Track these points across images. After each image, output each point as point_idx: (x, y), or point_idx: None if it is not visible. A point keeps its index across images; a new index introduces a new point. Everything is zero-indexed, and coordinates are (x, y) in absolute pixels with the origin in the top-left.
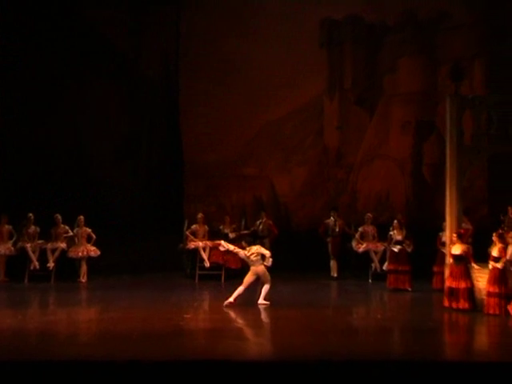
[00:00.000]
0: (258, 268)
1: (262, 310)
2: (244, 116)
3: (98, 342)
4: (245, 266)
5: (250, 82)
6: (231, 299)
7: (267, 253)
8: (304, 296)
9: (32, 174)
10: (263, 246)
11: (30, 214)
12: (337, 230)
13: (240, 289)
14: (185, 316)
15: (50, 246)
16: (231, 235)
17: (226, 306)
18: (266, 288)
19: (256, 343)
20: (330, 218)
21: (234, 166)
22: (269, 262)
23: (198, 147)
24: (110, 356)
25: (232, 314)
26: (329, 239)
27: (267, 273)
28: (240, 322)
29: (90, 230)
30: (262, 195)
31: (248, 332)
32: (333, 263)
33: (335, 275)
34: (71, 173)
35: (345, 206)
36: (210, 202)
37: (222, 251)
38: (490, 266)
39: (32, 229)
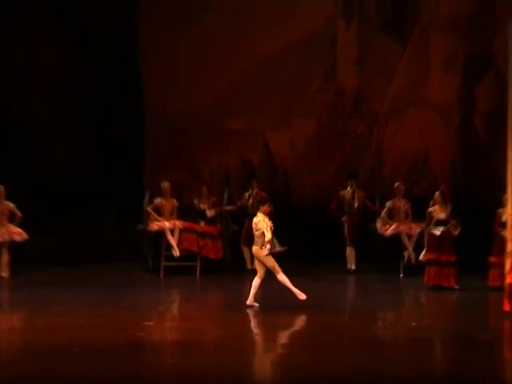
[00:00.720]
0: (254, 247)
1: (251, 315)
2: (226, 53)
3: (24, 359)
4: (227, 256)
5: (235, 10)
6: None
7: (267, 236)
8: (310, 296)
9: None
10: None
11: None
12: (355, 205)
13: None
14: (145, 324)
15: None
16: (209, 212)
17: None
18: (255, 283)
19: (243, 361)
20: (345, 188)
21: (213, 119)
22: (264, 249)
23: (164, 95)
24: (41, 378)
25: (211, 322)
26: (344, 218)
27: (263, 257)
28: (221, 332)
29: (13, 206)
30: (253, 157)
31: (232, 346)
32: (350, 251)
33: (353, 268)
34: None
35: (366, 172)
36: (181, 168)
37: (196, 235)
38: None
39: None
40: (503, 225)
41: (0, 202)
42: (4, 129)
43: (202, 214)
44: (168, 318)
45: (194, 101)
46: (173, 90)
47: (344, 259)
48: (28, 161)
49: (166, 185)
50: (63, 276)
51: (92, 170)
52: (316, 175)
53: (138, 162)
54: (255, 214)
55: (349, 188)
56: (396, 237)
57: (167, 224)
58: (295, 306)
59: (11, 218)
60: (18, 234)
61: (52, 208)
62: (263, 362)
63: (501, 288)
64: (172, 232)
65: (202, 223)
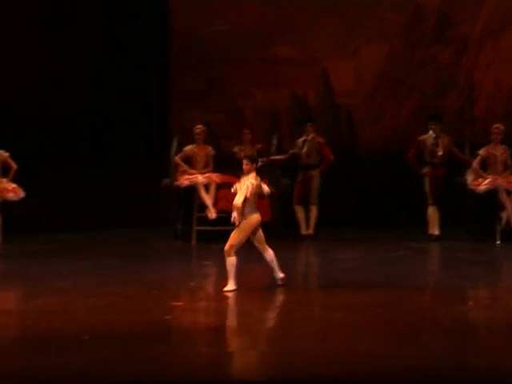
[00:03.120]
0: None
1: (306, 293)
2: None
3: (21, 349)
4: (276, 218)
5: None
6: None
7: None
8: (380, 269)
9: None
10: (309, 179)
11: None
12: (439, 153)
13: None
14: (173, 304)
15: None
16: None
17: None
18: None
19: (294, 350)
20: (426, 132)
21: (256, 43)
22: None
23: (195, 12)
24: (41, 371)
25: (255, 302)
26: (425, 170)
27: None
28: (268, 314)
29: (6, 155)
30: (308, 93)
31: (281, 332)
32: (432, 212)
33: (436, 233)
34: None
35: (453, 113)
36: (216, 106)
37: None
38: None
39: None
40: None
41: None
42: None
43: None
44: (201, 297)
45: (232, 21)
46: (206, 6)
47: (425, 222)
48: (20, 100)
49: (198, 128)
50: (68, 244)
51: (104, 110)
52: (388, 117)
53: (161, 99)
54: (311, 165)
55: (431, 132)
56: (492, 193)
57: (200, 178)
58: (361, 281)
59: (4, 172)
60: (12, 191)
61: (53, 159)
62: (320, 352)
63: None
64: (207, 188)
65: None
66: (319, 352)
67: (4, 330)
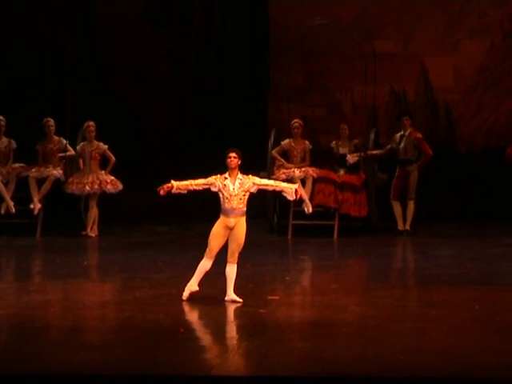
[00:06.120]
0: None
1: (403, 289)
2: None
3: (119, 341)
4: (373, 213)
5: None
6: None
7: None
8: (478, 265)
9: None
10: (407, 174)
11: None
12: None
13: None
14: (269, 298)
15: (34, 173)
16: (351, 158)
17: None
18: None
19: (393, 347)
20: None
21: (355, 38)
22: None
23: (293, 6)
24: (139, 363)
25: (352, 297)
26: None
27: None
28: (365, 310)
29: (105, 147)
30: (406, 89)
31: (379, 327)
32: None
33: None
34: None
35: None
36: (315, 101)
37: (334, 186)
38: None
39: (3, 142)
40: None
41: (89, 141)
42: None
43: (341, 160)
44: (297, 292)
45: (332, 15)
46: (305, 0)
47: None
48: (118, 90)
49: (296, 123)
50: (164, 236)
51: (202, 105)
52: (488, 113)
53: (260, 95)
54: (409, 161)
55: None
56: None
57: (297, 172)
58: (458, 278)
59: (103, 164)
60: (111, 183)
61: (150, 152)
62: (417, 348)
63: None
64: (303, 182)
65: (342, 172)
66: (415, 348)
67: (102, 321)
